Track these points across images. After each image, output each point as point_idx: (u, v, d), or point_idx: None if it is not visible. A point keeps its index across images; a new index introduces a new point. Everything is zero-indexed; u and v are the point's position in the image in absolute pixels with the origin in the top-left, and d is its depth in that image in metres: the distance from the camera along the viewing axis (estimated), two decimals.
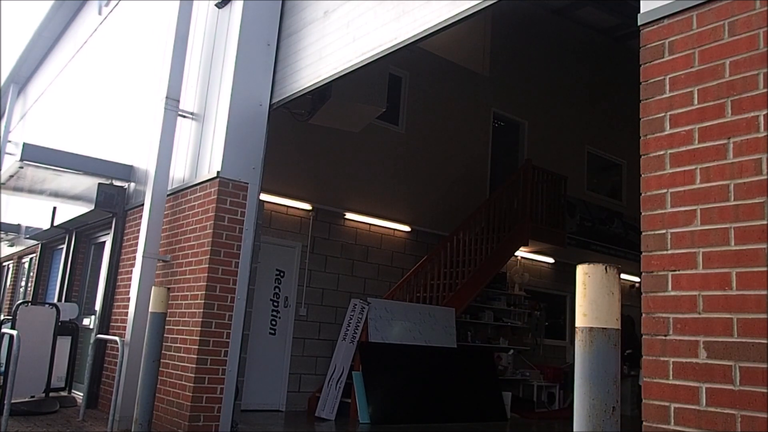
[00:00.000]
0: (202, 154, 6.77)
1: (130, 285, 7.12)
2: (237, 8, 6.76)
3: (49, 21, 14.23)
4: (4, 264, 16.57)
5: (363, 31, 5.60)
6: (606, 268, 2.21)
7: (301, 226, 9.12)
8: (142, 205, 7.21)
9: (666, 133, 2.98)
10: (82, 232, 10.12)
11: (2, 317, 8.61)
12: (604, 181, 14.08)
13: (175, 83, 7.07)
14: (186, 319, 6.26)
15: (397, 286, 9.59)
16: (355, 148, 9.66)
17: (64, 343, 8.07)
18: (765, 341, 2.48)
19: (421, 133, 10.59)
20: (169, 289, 5.64)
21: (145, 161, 7.80)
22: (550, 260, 12.36)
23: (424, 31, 4.88)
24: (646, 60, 3.13)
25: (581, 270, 2.25)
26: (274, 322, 8.74)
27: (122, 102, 9.62)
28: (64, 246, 10.51)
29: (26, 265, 14.48)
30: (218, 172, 6.27)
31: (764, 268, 2.54)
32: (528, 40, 12.13)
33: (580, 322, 2.24)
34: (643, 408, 2.80)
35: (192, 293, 6.26)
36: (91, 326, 8.48)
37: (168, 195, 7.03)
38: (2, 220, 12.66)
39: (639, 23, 3.19)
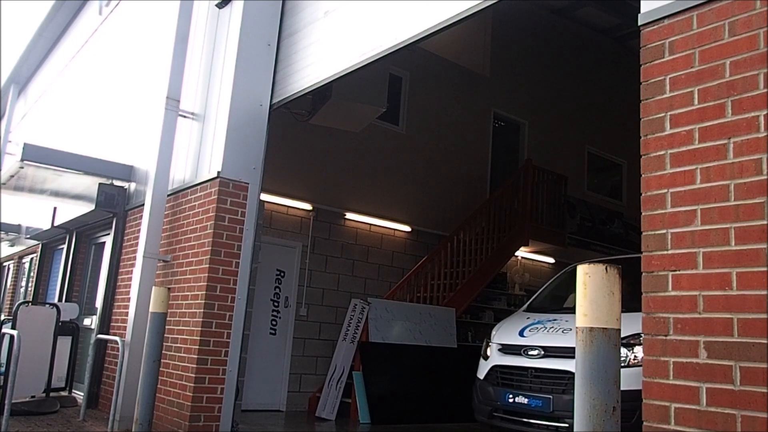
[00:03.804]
0: (203, 154, 6.77)
1: (130, 285, 7.12)
2: (237, 8, 6.77)
3: (50, 21, 14.23)
4: (5, 264, 16.57)
5: (363, 31, 5.60)
6: (606, 268, 2.21)
7: (301, 226, 9.12)
8: (143, 205, 7.21)
9: (666, 133, 2.98)
10: (82, 232, 10.12)
11: (3, 317, 8.62)
12: (605, 181, 14.08)
13: (176, 83, 7.07)
14: (186, 319, 6.26)
15: (398, 286, 9.59)
16: (355, 148, 9.66)
17: (65, 343, 8.07)
18: (765, 341, 2.48)
19: (421, 133, 10.59)
20: (169, 289, 5.64)
21: (146, 161, 7.80)
22: (551, 260, 12.35)
23: (424, 31, 4.88)
24: (647, 60, 3.13)
25: (581, 270, 2.25)
26: (274, 322, 8.74)
27: (123, 102, 9.63)
28: (65, 246, 10.51)
29: (27, 265, 14.49)
30: (219, 172, 6.28)
31: (764, 268, 2.54)
32: (528, 40, 12.13)
33: (580, 322, 2.24)
34: (644, 408, 2.81)
35: (192, 293, 6.27)
36: (92, 326, 8.48)
37: (168, 195, 7.04)
38: (2, 220, 12.65)
39: (639, 23, 3.19)
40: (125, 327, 6.87)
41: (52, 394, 7.67)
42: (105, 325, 7.99)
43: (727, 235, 2.68)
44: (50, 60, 15.62)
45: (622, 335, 4.93)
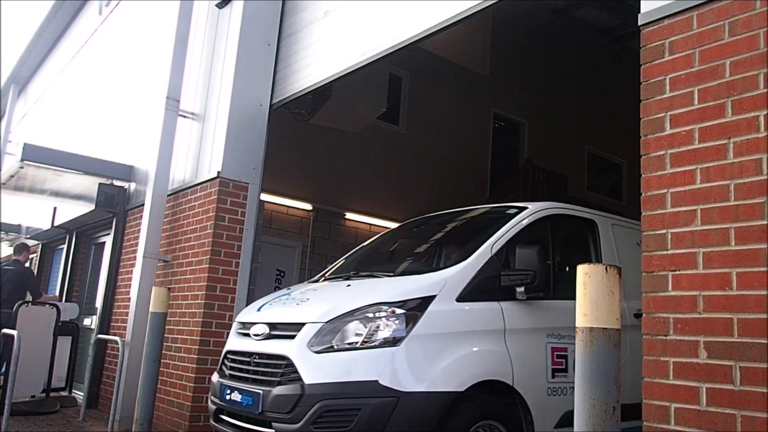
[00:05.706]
0: (203, 154, 6.77)
1: (130, 285, 7.12)
2: (237, 8, 6.76)
3: (50, 21, 14.23)
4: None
5: (363, 31, 5.59)
6: (606, 268, 2.21)
7: (301, 226, 9.12)
8: (143, 205, 7.21)
9: (666, 133, 2.98)
10: (82, 232, 10.12)
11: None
12: (604, 181, 14.08)
13: (176, 83, 7.07)
14: (186, 319, 6.26)
15: None
16: (355, 148, 9.65)
17: (65, 343, 8.06)
18: (765, 341, 2.48)
19: (421, 133, 10.59)
20: (169, 289, 5.64)
21: (146, 161, 7.80)
22: None
23: (424, 31, 4.88)
24: (647, 60, 3.12)
25: (581, 270, 2.25)
26: None
27: (123, 102, 9.62)
28: (65, 246, 10.51)
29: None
30: (218, 172, 6.28)
31: (764, 268, 2.54)
32: (528, 41, 12.13)
33: (580, 322, 2.24)
34: (644, 408, 2.80)
35: (192, 293, 6.26)
36: (92, 326, 8.48)
37: (168, 195, 7.03)
38: (2, 220, 12.65)
39: (639, 23, 3.18)
40: (125, 327, 6.87)
41: (52, 394, 7.67)
42: (105, 325, 7.98)
43: (727, 235, 2.68)
44: (50, 60, 15.62)
45: (363, 303, 3.72)
